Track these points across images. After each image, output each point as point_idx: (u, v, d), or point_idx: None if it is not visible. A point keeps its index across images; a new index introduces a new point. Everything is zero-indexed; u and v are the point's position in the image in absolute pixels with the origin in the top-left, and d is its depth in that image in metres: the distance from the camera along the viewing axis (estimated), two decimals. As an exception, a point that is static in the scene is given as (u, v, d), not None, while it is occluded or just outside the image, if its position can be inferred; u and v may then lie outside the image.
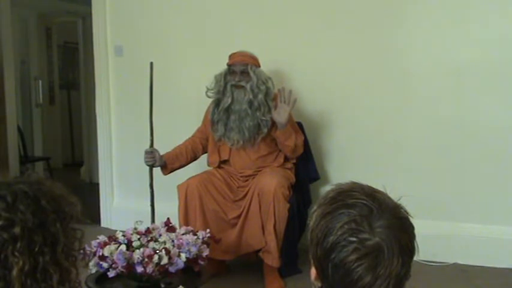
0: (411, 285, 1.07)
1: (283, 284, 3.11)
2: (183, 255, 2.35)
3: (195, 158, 3.40)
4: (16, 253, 1.04)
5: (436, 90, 3.46)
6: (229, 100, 3.19)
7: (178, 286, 2.25)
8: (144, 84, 3.27)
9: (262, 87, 3.17)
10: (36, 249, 1.06)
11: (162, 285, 2.37)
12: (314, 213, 1.06)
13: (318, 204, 1.07)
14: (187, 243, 2.39)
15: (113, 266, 2.29)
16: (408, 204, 1.08)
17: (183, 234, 2.47)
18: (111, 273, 2.31)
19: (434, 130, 3.49)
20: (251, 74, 3.18)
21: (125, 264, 2.27)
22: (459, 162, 3.45)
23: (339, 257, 0.99)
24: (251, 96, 3.15)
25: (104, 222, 4.31)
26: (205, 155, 3.41)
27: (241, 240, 3.08)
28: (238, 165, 3.27)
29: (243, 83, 3.18)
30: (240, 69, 3.19)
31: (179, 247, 2.37)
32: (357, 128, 3.65)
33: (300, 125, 3.46)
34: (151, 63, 3.17)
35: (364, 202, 1.02)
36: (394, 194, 1.09)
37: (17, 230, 1.05)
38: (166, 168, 3.28)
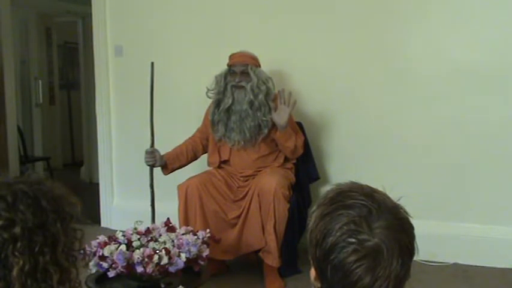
0: (411, 285, 1.06)
1: (283, 284, 3.11)
2: (183, 255, 2.35)
3: (195, 158, 3.40)
4: (16, 253, 1.04)
5: (436, 90, 3.46)
6: (230, 101, 3.19)
7: (178, 286, 2.25)
8: (144, 84, 3.27)
9: (263, 88, 3.17)
10: (37, 249, 1.06)
11: (162, 285, 2.38)
12: (313, 214, 1.06)
13: (317, 204, 1.07)
14: (187, 243, 2.39)
15: (113, 266, 2.29)
16: (408, 204, 1.08)
17: (183, 234, 2.47)
18: (111, 273, 2.31)
19: (434, 130, 3.49)
20: (251, 74, 3.17)
21: (124, 264, 2.27)
22: (459, 162, 3.45)
23: (338, 258, 0.99)
24: (251, 97, 3.15)
25: (104, 222, 4.31)
26: (206, 155, 3.41)
27: (241, 240, 3.09)
28: (239, 165, 3.27)
29: (243, 84, 3.17)
30: (240, 70, 3.19)
31: (179, 247, 2.38)
32: (357, 128, 3.65)
33: (300, 125, 3.46)
34: (152, 63, 3.17)
35: (363, 203, 1.02)
36: (393, 194, 1.08)
37: (17, 229, 1.05)
38: (167, 168, 3.28)
